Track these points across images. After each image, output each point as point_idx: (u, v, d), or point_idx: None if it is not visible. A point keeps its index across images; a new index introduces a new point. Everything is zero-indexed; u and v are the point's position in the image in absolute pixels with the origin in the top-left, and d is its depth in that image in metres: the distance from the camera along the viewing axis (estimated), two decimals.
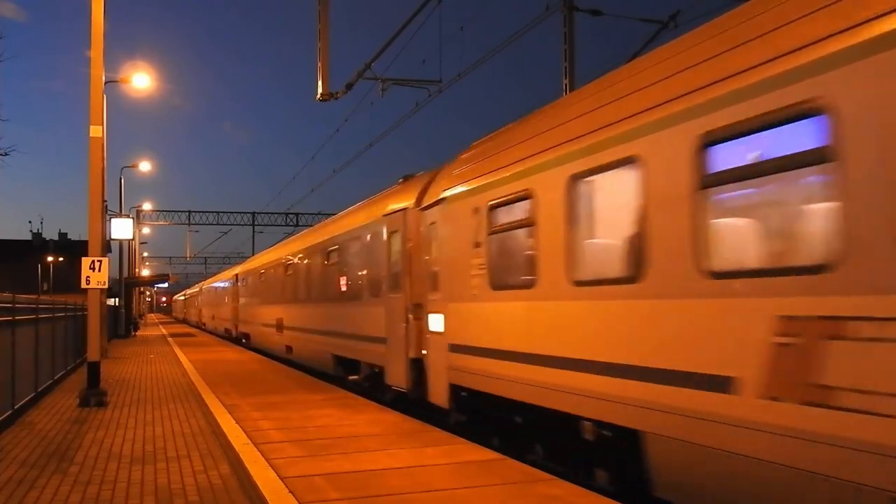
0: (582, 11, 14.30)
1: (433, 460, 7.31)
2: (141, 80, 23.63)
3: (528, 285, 7.71)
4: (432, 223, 10.50)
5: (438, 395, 10.21)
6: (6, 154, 26.21)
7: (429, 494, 6.03)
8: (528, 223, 7.82)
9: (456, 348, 9.48)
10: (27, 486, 6.93)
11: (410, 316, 11.31)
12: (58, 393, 14.43)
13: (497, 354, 8.33)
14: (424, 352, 10.88)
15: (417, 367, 11.16)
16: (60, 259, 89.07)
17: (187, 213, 58.46)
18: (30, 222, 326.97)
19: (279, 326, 22.83)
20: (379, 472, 6.80)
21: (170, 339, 37.12)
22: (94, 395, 12.40)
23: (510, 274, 8.34)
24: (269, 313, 25.06)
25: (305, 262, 19.67)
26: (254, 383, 14.90)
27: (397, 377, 11.82)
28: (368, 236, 13.78)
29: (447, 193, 9.89)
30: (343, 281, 15.63)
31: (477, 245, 8.85)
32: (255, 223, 57.51)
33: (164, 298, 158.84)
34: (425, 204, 10.90)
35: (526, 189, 7.81)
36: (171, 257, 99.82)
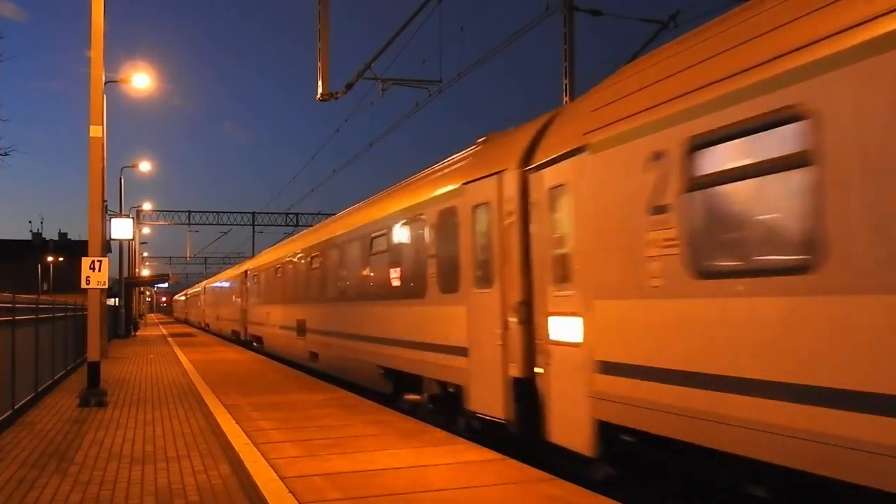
0: (582, 11, 14.33)
1: (433, 460, 7.31)
2: (141, 80, 23.65)
3: (798, 269, 4.70)
4: (556, 186, 7.51)
5: (571, 433, 7.12)
6: (6, 154, 26.23)
7: (429, 494, 6.03)
8: (795, 162, 4.76)
9: (611, 368, 6.47)
10: (27, 486, 6.94)
11: (511, 319, 8.25)
12: (58, 393, 14.43)
13: (712, 383, 5.32)
14: (539, 370, 7.80)
15: (524, 391, 8.04)
16: (60, 259, 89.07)
17: (187, 213, 58.49)
18: (30, 222, 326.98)
19: (301, 329, 19.58)
20: (379, 472, 6.80)
21: (170, 339, 37.12)
22: (94, 395, 12.40)
23: (745, 251, 5.28)
24: (287, 314, 21.65)
25: (338, 252, 16.11)
26: (254, 383, 14.90)
27: (487, 402, 8.72)
28: (437, 215, 10.45)
29: (592, 138, 6.86)
30: (396, 274, 12.30)
31: (658, 210, 5.93)
32: (255, 223, 57.56)
33: (164, 298, 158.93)
34: (541, 161, 7.81)
35: (793, 104, 4.75)
36: (171, 257, 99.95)
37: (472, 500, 5.86)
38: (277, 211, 61.98)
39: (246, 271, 31.97)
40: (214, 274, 64.92)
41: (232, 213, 59.35)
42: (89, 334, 13.28)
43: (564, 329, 7.33)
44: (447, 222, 10.09)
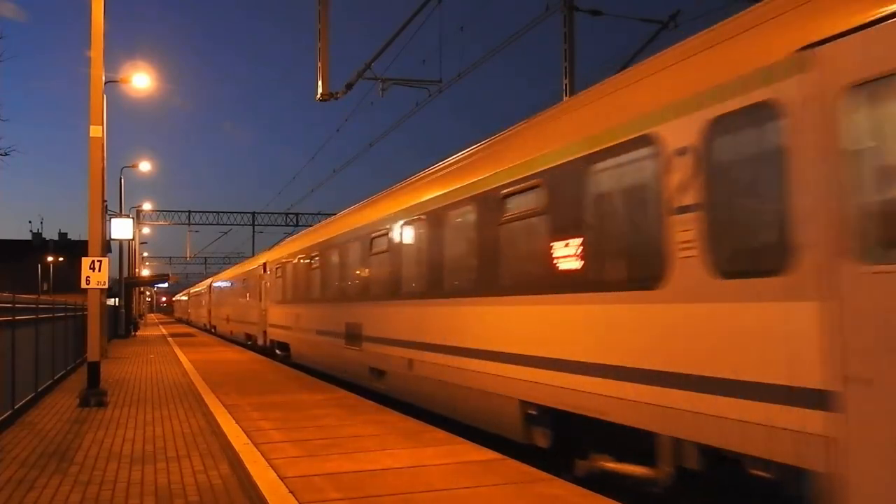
0: (582, 11, 14.34)
1: (433, 460, 7.30)
2: (141, 80, 23.66)
3: None
4: None
5: None
6: (6, 154, 26.41)
7: (429, 494, 6.02)
8: None
9: None
10: (27, 486, 6.93)
11: None
12: (58, 393, 14.43)
13: None
14: None
15: None
16: (60, 259, 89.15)
17: (187, 213, 58.61)
18: (30, 222, 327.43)
19: (353, 336, 14.50)
20: (379, 472, 6.80)
21: (170, 339, 37.12)
22: (94, 395, 12.40)
23: None
24: (330, 315, 16.53)
25: (426, 227, 11.10)
26: (254, 383, 14.89)
27: None
28: (701, 128, 5.67)
29: None
30: (569, 251, 7.36)
31: None
32: (255, 223, 57.65)
33: (164, 298, 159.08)
34: None
35: None
36: (171, 257, 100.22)
37: (473, 499, 5.86)
38: (277, 211, 62.12)
39: (265, 264, 26.39)
40: (215, 273, 63.97)
41: (232, 213, 59.56)
42: (89, 334, 13.28)
43: None
44: (741, 138, 5.40)
